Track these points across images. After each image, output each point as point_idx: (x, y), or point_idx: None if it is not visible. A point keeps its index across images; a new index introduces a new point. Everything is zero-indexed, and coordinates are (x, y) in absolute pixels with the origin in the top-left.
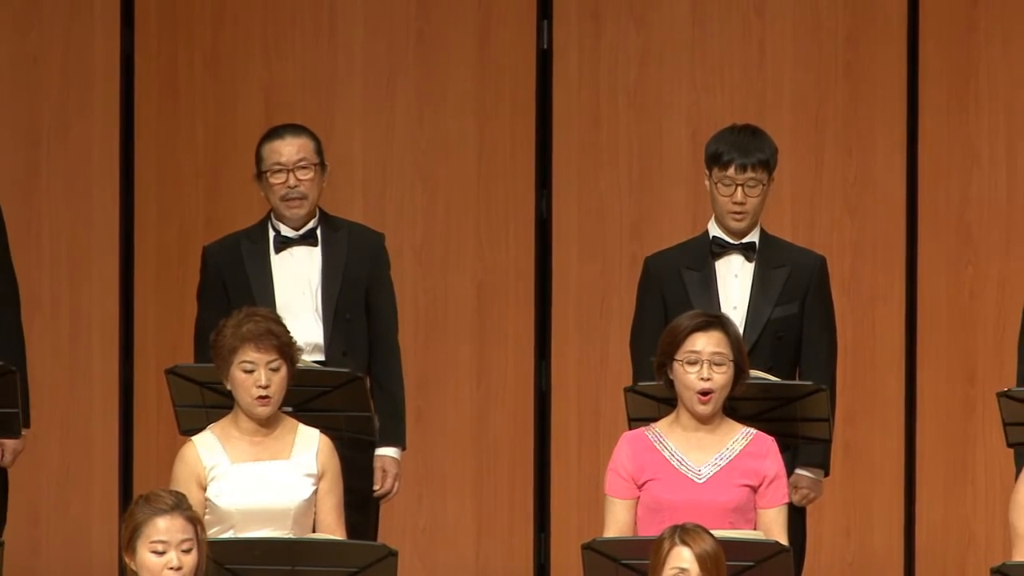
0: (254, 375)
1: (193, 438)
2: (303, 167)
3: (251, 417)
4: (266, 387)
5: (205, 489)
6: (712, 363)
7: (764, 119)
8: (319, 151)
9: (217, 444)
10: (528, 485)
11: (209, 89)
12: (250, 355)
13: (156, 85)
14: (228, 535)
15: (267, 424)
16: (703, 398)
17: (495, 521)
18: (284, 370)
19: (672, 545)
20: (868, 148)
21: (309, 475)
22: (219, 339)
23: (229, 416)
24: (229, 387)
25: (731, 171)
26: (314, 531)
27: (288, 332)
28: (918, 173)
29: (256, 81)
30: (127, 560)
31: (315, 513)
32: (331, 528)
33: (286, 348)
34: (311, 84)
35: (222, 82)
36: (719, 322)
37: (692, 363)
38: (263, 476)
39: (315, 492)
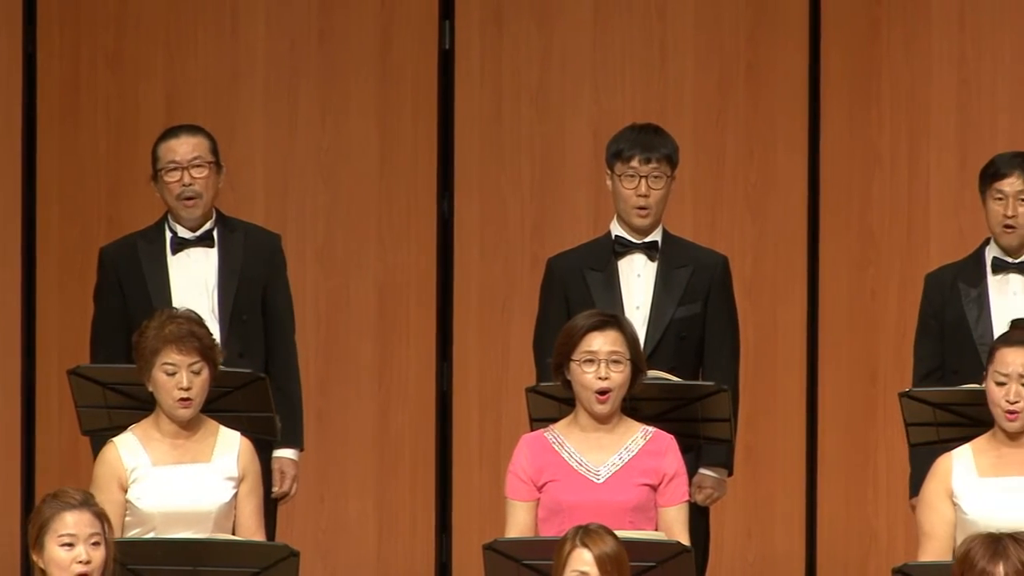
0: (175, 377)
1: (114, 439)
2: (197, 165)
3: (172, 419)
4: (187, 389)
5: (126, 491)
6: (609, 362)
7: (666, 120)
8: (214, 151)
9: (138, 446)
10: (430, 485)
11: (111, 88)
12: (172, 357)
13: (58, 84)
14: (133, 535)
15: (188, 426)
16: (601, 397)
17: (397, 521)
18: (206, 372)
19: (573, 547)
20: (770, 149)
21: (230, 478)
22: (141, 340)
23: (150, 418)
24: (151, 388)
25: (634, 163)
26: (234, 534)
27: (211, 335)
28: (820, 174)
29: (158, 81)
30: (34, 558)
31: (235, 516)
32: (251, 531)
33: (208, 351)
34: (213, 84)
35: (124, 81)
36: (615, 321)
37: (589, 363)
38: (184, 479)
39: (235, 495)
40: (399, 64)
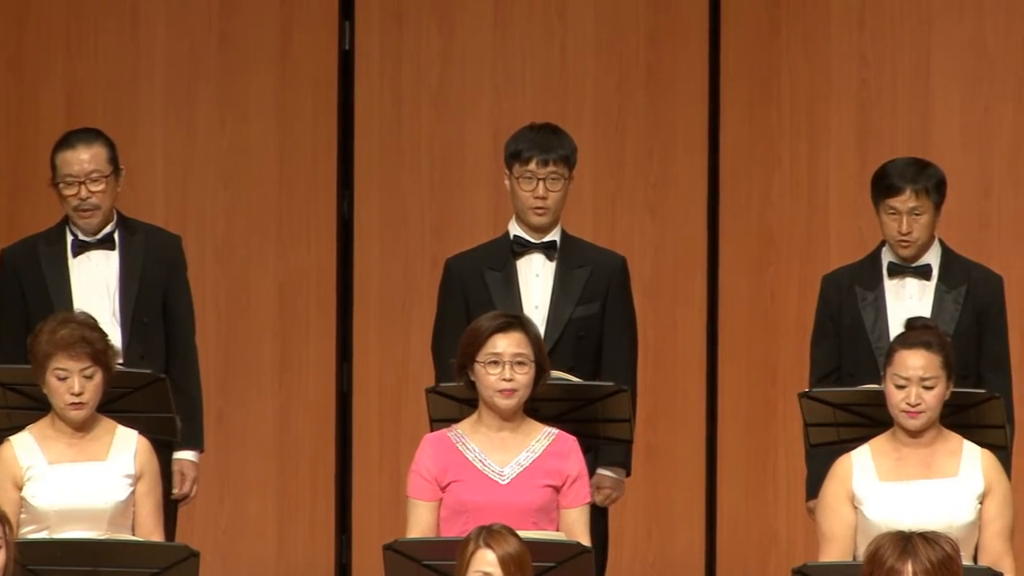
0: (67, 382)
1: (11, 438)
2: (95, 179)
3: (65, 422)
4: (79, 394)
5: (21, 489)
6: (514, 364)
7: (566, 120)
8: (112, 158)
9: (34, 445)
10: (330, 486)
11: (11, 89)
12: (63, 363)
13: None
14: (36, 535)
15: (84, 426)
16: (506, 393)
17: (297, 522)
18: (99, 377)
19: (477, 548)
20: (669, 149)
21: (127, 476)
22: (35, 344)
23: (47, 417)
24: (44, 391)
25: (532, 165)
26: (133, 533)
27: (104, 338)
28: (719, 174)
29: (58, 82)
30: None
31: (133, 515)
32: (149, 529)
33: (100, 355)
34: (113, 85)
35: (24, 82)
36: (519, 323)
37: (493, 364)
38: (79, 477)
39: (132, 493)
40: (299, 65)
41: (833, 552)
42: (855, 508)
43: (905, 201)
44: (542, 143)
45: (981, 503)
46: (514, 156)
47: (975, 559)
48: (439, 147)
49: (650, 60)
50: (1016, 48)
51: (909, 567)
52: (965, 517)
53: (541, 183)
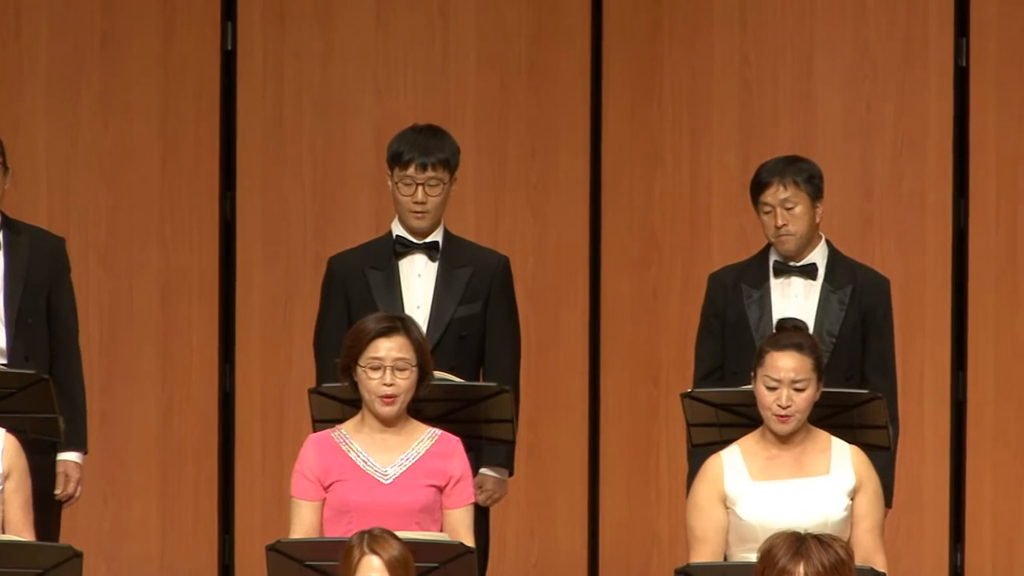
0: None
1: None
2: None
3: None
4: None
5: None
6: (395, 369)
7: (448, 121)
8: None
9: None
10: (213, 486)
11: None
12: None
13: None
14: None
15: None
16: (386, 400)
17: (180, 522)
18: None
19: (362, 554)
20: (551, 149)
21: None
22: None
23: None
24: None
25: (411, 170)
26: (2, 531)
27: None
28: (602, 174)
29: None
30: None
31: (3, 512)
32: (18, 527)
33: None
34: None
35: None
36: (402, 326)
37: (375, 368)
38: None
39: (1, 491)
40: (181, 65)
41: (704, 553)
42: (727, 508)
43: (775, 194)
44: (423, 145)
45: (852, 500)
46: (395, 158)
47: None
48: (321, 147)
49: (532, 60)
50: (897, 48)
51: (801, 569)
52: (837, 514)
53: (420, 188)
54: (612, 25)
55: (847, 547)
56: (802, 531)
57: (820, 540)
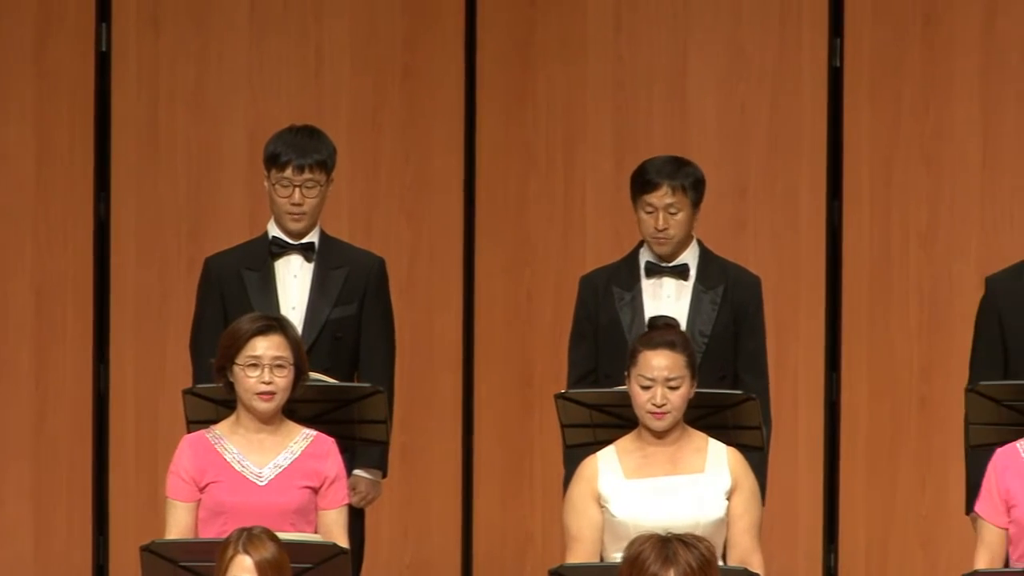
0: None
1: None
2: None
3: None
4: None
5: None
6: (273, 367)
7: (322, 122)
8: None
9: None
10: (87, 487)
11: None
12: None
13: None
14: None
15: None
16: (265, 397)
17: (54, 523)
18: None
19: (235, 552)
20: (426, 151)
21: None
22: None
23: None
24: None
25: (288, 172)
26: None
27: None
28: (476, 176)
29: None
30: None
31: None
32: None
33: None
34: None
35: None
36: (279, 325)
37: (253, 367)
38: None
39: None
40: (55, 67)
41: (580, 552)
42: (602, 507)
43: (662, 197)
44: (300, 147)
45: (728, 499)
46: (271, 160)
47: (723, 556)
48: (196, 149)
49: (406, 62)
50: (772, 49)
51: (671, 573)
52: (713, 514)
53: (297, 189)
54: (486, 27)
55: (710, 546)
56: (663, 532)
57: (684, 541)
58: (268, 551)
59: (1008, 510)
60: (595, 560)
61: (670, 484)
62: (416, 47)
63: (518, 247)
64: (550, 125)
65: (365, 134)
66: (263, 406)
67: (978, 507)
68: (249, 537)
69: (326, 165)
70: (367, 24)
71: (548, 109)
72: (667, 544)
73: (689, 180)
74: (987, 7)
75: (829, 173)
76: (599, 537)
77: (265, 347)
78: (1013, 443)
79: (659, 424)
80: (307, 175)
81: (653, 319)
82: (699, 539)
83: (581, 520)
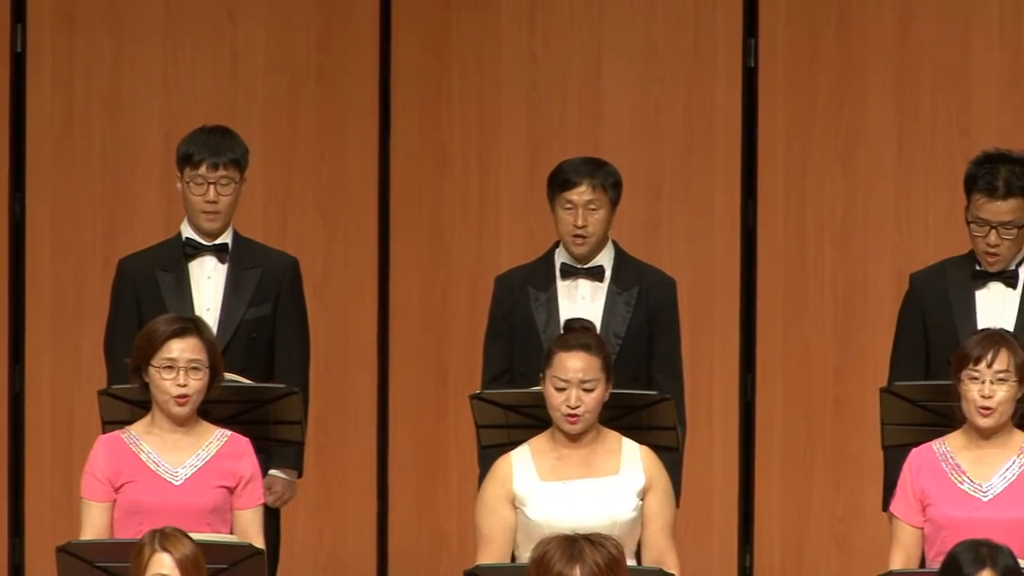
0: None
1: None
2: None
3: None
4: None
5: None
6: (188, 369)
7: (236, 122)
8: None
9: None
10: (2, 488)
11: None
12: None
13: None
14: None
15: None
16: (179, 400)
17: None
18: None
19: (152, 551)
20: (340, 150)
21: None
22: None
23: None
24: None
25: (203, 169)
26: None
27: None
28: (390, 175)
29: None
30: None
31: None
32: None
33: None
34: None
35: None
36: (195, 327)
37: (168, 369)
38: None
39: None
40: None
41: (491, 553)
42: (516, 509)
43: (581, 194)
44: (213, 146)
45: (642, 499)
46: (185, 159)
47: (637, 556)
48: (111, 149)
49: (320, 62)
50: (686, 50)
51: (577, 571)
52: (628, 514)
53: (212, 187)
54: (400, 27)
55: (618, 545)
56: (572, 532)
57: (591, 541)
58: (186, 548)
59: (923, 509)
60: (506, 560)
61: (585, 486)
62: (330, 47)
63: (432, 247)
64: (464, 125)
65: (280, 134)
66: (177, 410)
67: (893, 507)
68: (164, 535)
69: (240, 163)
70: (282, 24)
71: (462, 109)
72: (574, 543)
73: (609, 180)
74: (901, 8)
75: (744, 173)
76: (511, 538)
77: (180, 349)
78: (928, 443)
79: (572, 428)
80: (221, 172)
81: (569, 322)
82: (607, 538)
83: (493, 520)
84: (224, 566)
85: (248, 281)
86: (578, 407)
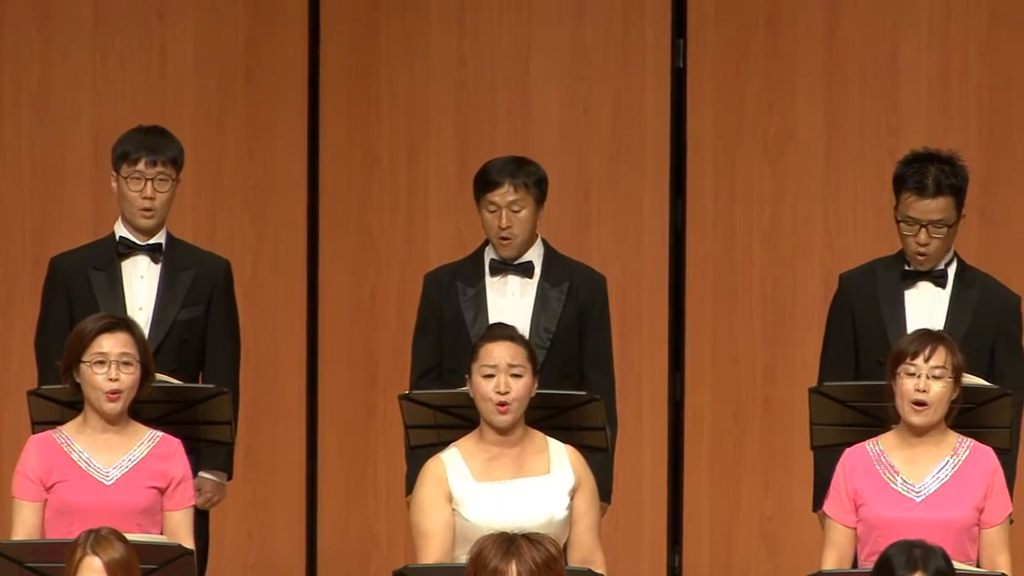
0: None
1: None
2: None
3: None
4: None
5: None
6: (120, 364)
7: (166, 121)
8: None
9: None
10: None
11: None
12: None
13: None
14: None
15: None
16: (111, 396)
17: None
18: None
19: (84, 554)
20: (269, 150)
21: None
22: None
23: None
24: None
25: (141, 166)
26: None
27: None
28: (319, 175)
29: None
30: None
31: None
32: None
33: None
34: None
35: None
36: (125, 324)
37: (99, 364)
38: None
39: None
40: None
41: (434, 547)
42: (453, 509)
43: (504, 195)
44: (150, 144)
45: (571, 498)
46: (123, 157)
47: (565, 555)
48: (40, 149)
49: (249, 62)
50: (615, 50)
51: (513, 567)
52: (562, 513)
53: (149, 184)
54: (329, 27)
55: (556, 544)
56: (510, 531)
57: (529, 539)
58: (117, 551)
59: (856, 509)
60: (448, 557)
61: (520, 486)
62: (259, 47)
63: (362, 247)
64: (393, 125)
65: (209, 134)
66: (109, 407)
67: (826, 507)
68: (97, 538)
69: (176, 162)
70: (210, 23)
71: (391, 109)
72: (511, 541)
73: (532, 178)
74: (829, 9)
75: (672, 173)
76: (451, 534)
77: (111, 344)
78: (862, 443)
79: (502, 419)
80: (159, 169)
81: (491, 327)
82: (544, 537)
83: (434, 518)
84: (154, 566)
85: (181, 282)
86: (508, 393)
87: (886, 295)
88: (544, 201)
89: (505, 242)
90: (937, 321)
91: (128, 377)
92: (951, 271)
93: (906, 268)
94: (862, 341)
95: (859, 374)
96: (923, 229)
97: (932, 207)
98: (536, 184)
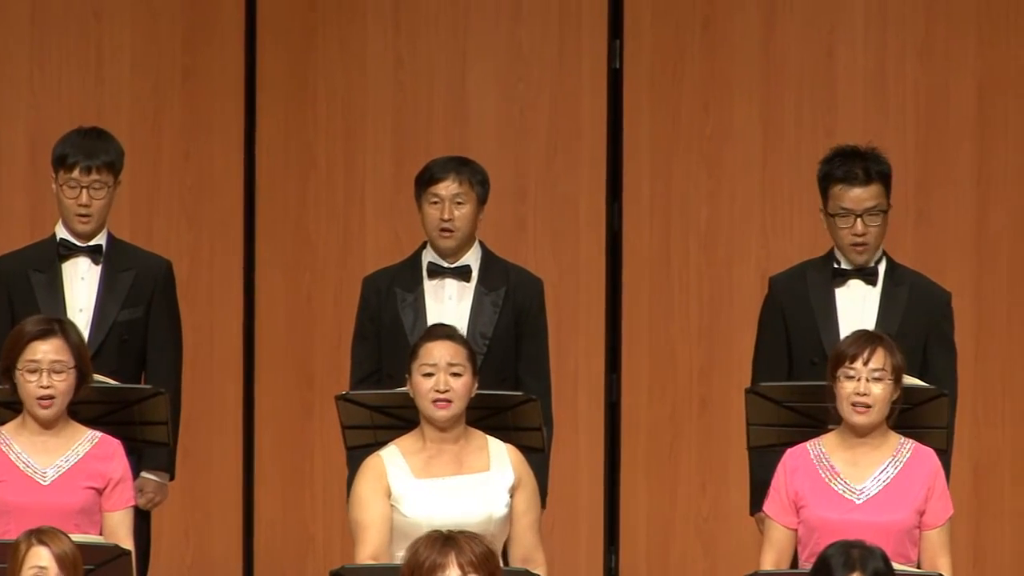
0: None
1: None
2: None
3: None
4: None
5: None
6: (52, 371)
7: (102, 123)
8: None
9: None
10: None
11: None
12: None
13: None
14: None
15: None
16: (44, 403)
17: None
18: None
19: (30, 546)
20: (206, 152)
21: None
22: None
23: None
24: None
25: (76, 173)
26: None
27: None
28: (256, 177)
29: None
30: None
31: None
32: None
33: None
34: None
35: None
36: (60, 328)
37: (32, 371)
38: None
39: None
40: None
41: (371, 540)
42: (392, 505)
43: (448, 187)
44: (87, 148)
45: (512, 496)
46: (59, 161)
47: (504, 556)
48: None
49: (185, 63)
50: (551, 51)
51: (453, 558)
52: (502, 510)
53: (85, 191)
54: (266, 28)
55: (491, 543)
56: (444, 531)
57: (466, 535)
58: (65, 544)
59: (797, 511)
60: (386, 549)
61: (460, 483)
62: (196, 48)
63: (298, 249)
64: (330, 127)
65: (146, 135)
66: (42, 413)
67: (767, 507)
68: (41, 532)
69: (114, 166)
70: (147, 24)
71: (328, 111)
72: (447, 537)
73: (476, 177)
74: (765, 11)
75: (609, 175)
76: (389, 529)
77: (44, 351)
78: (804, 444)
79: (443, 414)
80: (94, 176)
81: (431, 326)
82: (480, 535)
83: (371, 511)
84: (91, 567)
85: (122, 283)
86: (448, 391)
87: (817, 296)
88: (485, 203)
89: (446, 234)
90: (868, 319)
91: (61, 383)
92: (881, 269)
93: (835, 267)
94: (795, 343)
95: (793, 375)
96: (858, 219)
97: (865, 195)
98: (480, 183)
